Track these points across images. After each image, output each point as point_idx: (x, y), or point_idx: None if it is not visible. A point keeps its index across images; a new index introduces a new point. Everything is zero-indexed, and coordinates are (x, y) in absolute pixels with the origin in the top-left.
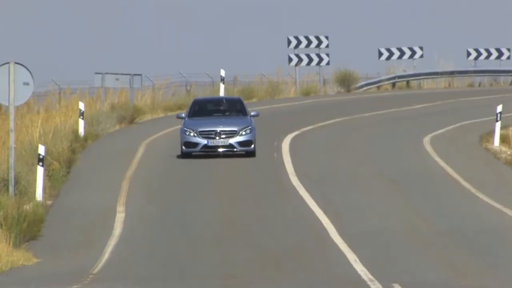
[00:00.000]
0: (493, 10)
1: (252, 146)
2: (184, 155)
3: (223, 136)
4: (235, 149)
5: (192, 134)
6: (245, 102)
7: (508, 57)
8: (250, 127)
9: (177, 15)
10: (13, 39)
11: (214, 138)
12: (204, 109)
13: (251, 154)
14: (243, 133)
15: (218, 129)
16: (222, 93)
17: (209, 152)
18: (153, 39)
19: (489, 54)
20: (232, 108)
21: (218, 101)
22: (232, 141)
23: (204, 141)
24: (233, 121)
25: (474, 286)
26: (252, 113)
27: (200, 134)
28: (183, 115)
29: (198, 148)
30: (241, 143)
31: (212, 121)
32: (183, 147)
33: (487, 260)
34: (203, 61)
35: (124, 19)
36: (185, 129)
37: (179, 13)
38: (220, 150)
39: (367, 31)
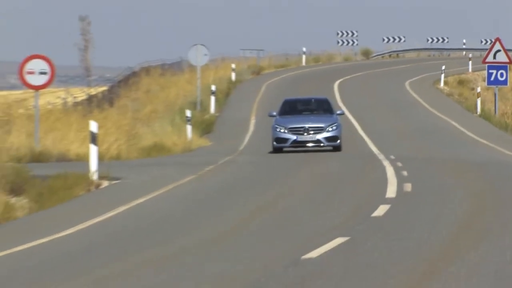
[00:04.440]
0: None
1: (338, 141)
2: (275, 150)
3: (311, 132)
4: (322, 144)
5: (282, 131)
6: (332, 101)
7: (448, 41)
8: (336, 124)
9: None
10: (195, 23)
11: (302, 134)
12: (294, 108)
13: (337, 148)
14: (330, 129)
15: (307, 126)
16: (304, 61)
17: (298, 147)
18: (269, 27)
19: (438, 40)
20: (320, 107)
21: (306, 101)
22: (320, 136)
23: (294, 137)
24: (320, 118)
25: (427, 157)
26: (337, 112)
27: (290, 131)
28: (274, 113)
29: (288, 144)
30: (328, 139)
31: (301, 118)
32: (274, 143)
33: (435, 143)
34: (286, 40)
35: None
36: (276, 126)
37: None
38: (308, 145)
39: (377, 26)
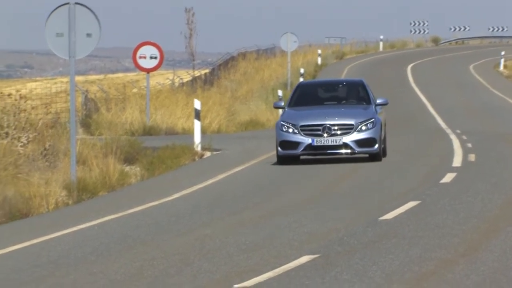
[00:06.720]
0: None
1: (376, 146)
2: (280, 160)
3: (338, 132)
4: (349, 151)
5: (291, 131)
6: (368, 86)
7: (507, 30)
8: (372, 120)
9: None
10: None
11: (321, 135)
12: (312, 96)
13: (375, 157)
14: (363, 128)
15: (327, 123)
16: (381, 47)
17: (317, 155)
18: (351, 18)
19: (498, 29)
20: (351, 94)
21: (331, 85)
22: (347, 139)
23: (308, 140)
24: (349, 111)
25: (489, 131)
26: (378, 101)
27: (302, 130)
28: (282, 104)
29: (299, 150)
30: (359, 142)
31: (319, 111)
32: (279, 148)
33: (495, 118)
34: (365, 28)
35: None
36: (282, 123)
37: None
38: (331, 151)
39: (445, 18)
